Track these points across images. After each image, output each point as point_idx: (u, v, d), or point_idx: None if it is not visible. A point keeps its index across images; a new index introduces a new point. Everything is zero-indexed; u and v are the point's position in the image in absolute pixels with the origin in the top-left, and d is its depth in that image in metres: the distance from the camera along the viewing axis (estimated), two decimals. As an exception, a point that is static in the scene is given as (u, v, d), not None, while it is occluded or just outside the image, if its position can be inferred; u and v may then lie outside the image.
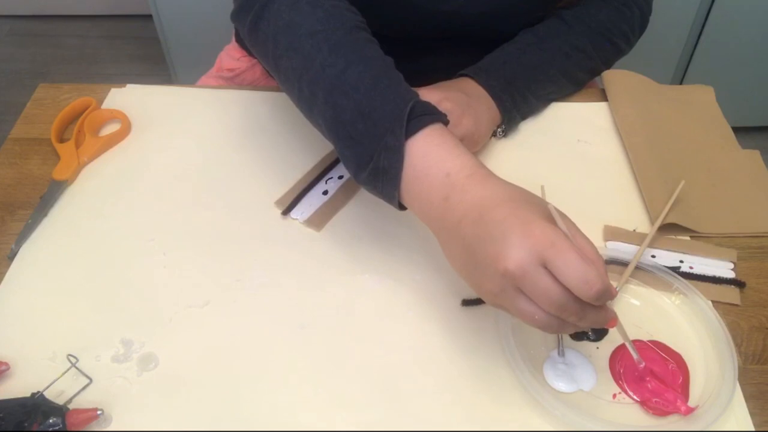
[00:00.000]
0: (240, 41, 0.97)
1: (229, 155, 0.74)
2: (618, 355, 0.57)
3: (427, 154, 0.52)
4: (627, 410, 0.54)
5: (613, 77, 0.82)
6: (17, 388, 0.54)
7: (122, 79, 0.84)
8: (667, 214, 0.65)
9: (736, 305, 0.61)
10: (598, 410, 0.53)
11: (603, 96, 0.82)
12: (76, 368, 0.55)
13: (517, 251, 0.44)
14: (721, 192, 0.70)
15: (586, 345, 0.58)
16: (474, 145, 0.71)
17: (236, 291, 0.61)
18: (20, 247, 0.65)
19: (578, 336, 0.58)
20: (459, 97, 0.69)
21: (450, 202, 0.50)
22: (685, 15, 1.52)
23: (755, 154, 0.75)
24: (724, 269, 0.64)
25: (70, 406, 0.52)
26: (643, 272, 0.62)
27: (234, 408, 0.54)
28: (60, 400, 0.53)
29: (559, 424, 0.53)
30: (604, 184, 0.72)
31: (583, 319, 0.46)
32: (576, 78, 0.80)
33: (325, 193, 0.70)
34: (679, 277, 0.61)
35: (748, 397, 0.54)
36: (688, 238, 0.67)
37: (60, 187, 0.70)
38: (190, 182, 0.71)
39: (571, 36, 0.78)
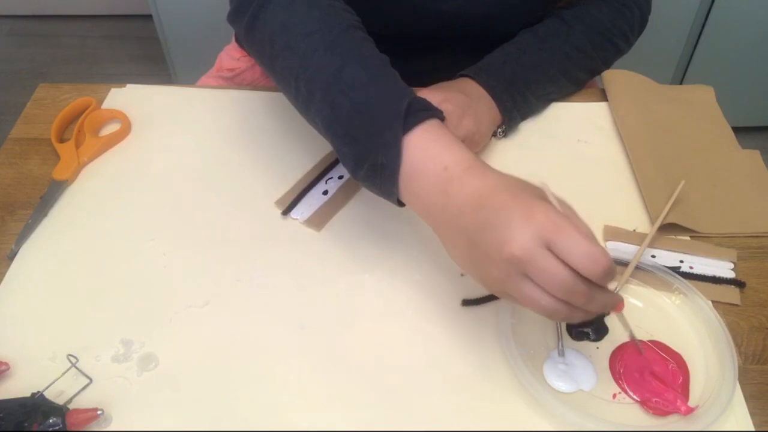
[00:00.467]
0: (239, 41, 0.97)
1: (229, 155, 0.74)
2: (618, 355, 0.57)
3: (425, 149, 0.52)
4: (627, 410, 0.54)
5: (613, 77, 0.82)
6: (17, 388, 0.54)
7: (122, 79, 0.84)
8: (667, 214, 0.65)
9: (736, 305, 0.61)
10: (598, 410, 0.53)
11: (603, 96, 0.82)
12: (76, 368, 0.55)
13: (520, 235, 0.44)
14: (721, 192, 0.70)
15: (587, 345, 0.58)
16: (475, 146, 0.71)
17: (236, 291, 0.61)
18: (20, 247, 0.65)
19: (578, 336, 0.58)
20: (459, 98, 0.69)
21: (449, 195, 0.50)
22: (685, 15, 1.52)
23: (755, 154, 0.75)
24: (724, 269, 0.64)
25: (70, 406, 0.52)
26: (643, 272, 0.62)
27: (234, 408, 0.54)
28: (60, 400, 0.53)
29: (559, 424, 0.53)
30: (604, 184, 0.72)
31: (592, 302, 0.45)
32: (576, 78, 0.80)
33: (325, 193, 0.70)
34: (679, 277, 0.61)
35: (748, 397, 0.54)
36: (688, 238, 0.67)
37: (60, 187, 0.70)
38: (190, 182, 0.71)
39: (571, 36, 0.78)
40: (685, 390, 0.55)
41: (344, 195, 0.70)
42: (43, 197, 0.69)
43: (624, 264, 0.63)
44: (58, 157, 0.73)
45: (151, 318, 0.59)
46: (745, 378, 0.56)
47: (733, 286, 0.62)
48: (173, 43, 1.68)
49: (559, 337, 0.57)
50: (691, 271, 0.63)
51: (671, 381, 0.55)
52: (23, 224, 0.67)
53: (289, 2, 0.60)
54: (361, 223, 0.68)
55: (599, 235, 0.66)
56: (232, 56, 0.95)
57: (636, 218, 0.68)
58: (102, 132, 0.77)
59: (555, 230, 0.44)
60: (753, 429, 0.53)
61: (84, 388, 0.54)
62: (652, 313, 0.61)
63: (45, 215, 0.68)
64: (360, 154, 0.55)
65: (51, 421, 0.51)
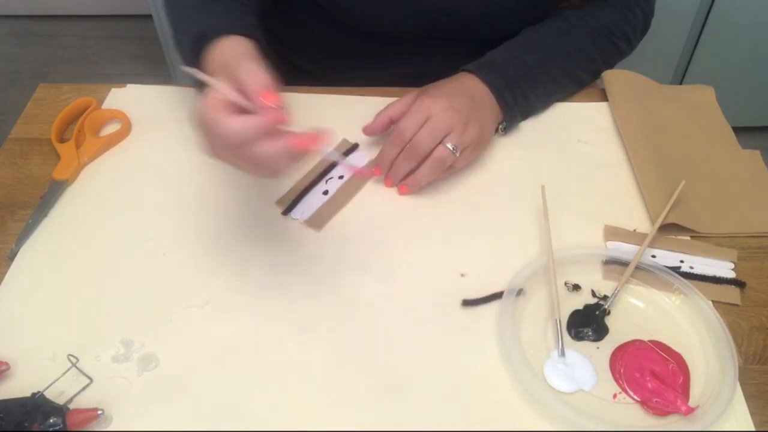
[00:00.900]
0: None
1: (229, 155, 0.74)
2: (618, 355, 0.57)
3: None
4: (627, 410, 0.54)
5: (613, 77, 0.82)
6: (17, 388, 0.54)
7: (122, 79, 0.84)
8: (667, 214, 0.65)
9: (737, 305, 0.61)
10: (598, 410, 0.53)
11: (603, 96, 0.82)
12: (77, 368, 0.55)
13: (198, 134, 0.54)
14: (721, 192, 0.70)
15: (587, 345, 0.58)
16: (480, 149, 0.72)
17: (236, 291, 0.61)
18: (20, 247, 0.65)
19: (579, 336, 0.58)
20: (464, 104, 0.69)
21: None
22: (685, 15, 1.52)
23: (755, 154, 0.75)
24: (724, 269, 0.64)
25: (71, 406, 0.52)
26: (643, 272, 0.62)
27: (234, 408, 0.54)
28: (60, 400, 0.53)
29: (559, 424, 0.53)
30: (605, 184, 0.72)
31: (251, 156, 0.51)
32: (578, 78, 0.80)
33: (326, 193, 0.70)
34: (680, 277, 0.61)
35: (749, 397, 0.54)
36: (688, 238, 0.67)
37: (60, 187, 0.70)
38: (190, 182, 0.71)
39: (574, 36, 0.78)
40: (685, 390, 0.55)
41: (344, 195, 0.70)
42: (43, 197, 0.69)
43: (624, 264, 0.63)
44: (58, 157, 0.73)
45: (151, 318, 0.59)
46: (745, 378, 0.56)
47: (733, 286, 0.62)
48: (173, 43, 1.68)
49: (560, 337, 0.57)
50: (692, 271, 0.63)
51: (671, 381, 0.55)
52: (23, 224, 0.67)
53: None
54: (362, 223, 0.68)
55: (600, 235, 0.66)
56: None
57: (636, 218, 0.68)
58: (102, 132, 0.77)
59: (205, 127, 0.52)
60: (753, 429, 0.53)
61: (84, 388, 0.54)
62: (653, 313, 0.61)
63: (45, 215, 0.68)
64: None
65: (51, 421, 0.51)
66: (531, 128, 0.78)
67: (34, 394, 0.53)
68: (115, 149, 0.75)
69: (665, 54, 1.59)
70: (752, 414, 0.54)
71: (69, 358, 0.56)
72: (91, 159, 0.74)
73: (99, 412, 0.51)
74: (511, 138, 0.77)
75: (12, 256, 0.64)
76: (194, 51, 0.62)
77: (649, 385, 0.55)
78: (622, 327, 0.59)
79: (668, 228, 0.66)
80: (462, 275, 0.63)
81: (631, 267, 0.62)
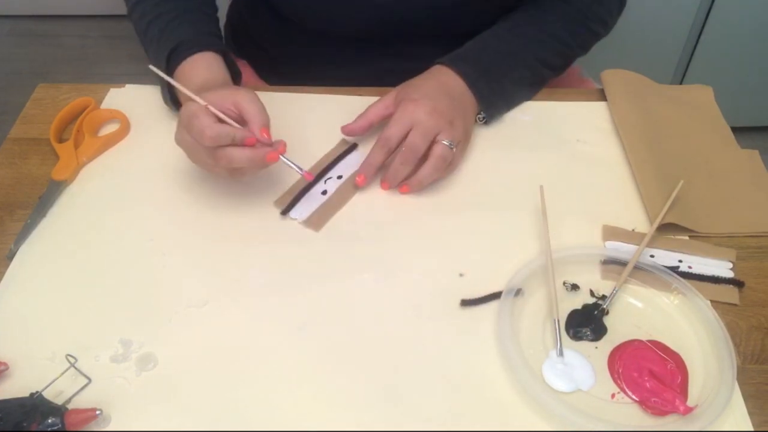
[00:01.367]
0: (229, 42, 0.98)
1: (228, 155, 0.74)
2: (617, 354, 0.57)
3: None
4: (626, 410, 0.54)
5: (613, 77, 0.82)
6: (16, 388, 0.54)
7: (122, 79, 0.84)
8: (665, 214, 0.65)
9: (735, 305, 0.61)
10: (596, 410, 0.53)
11: (602, 96, 0.82)
12: (75, 368, 0.55)
13: (178, 124, 0.65)
14: (719, 192, 0.70)
15: (585, 345, 0.58)
16: (467, 143, 0.73)
17: (235, 291, 0.61)
18: (19, 247, 0.65)
19: (577, 336, 0.58)
20: (446, 104, 0.70)
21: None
22: (685, 15, 1.52)
23: (754, 154, 0.75)
24: (722, 269, 0.64)
25: (69, 406, 0.52)
26: (642, 272, 0.62)
27: (233, 408, 0.54)
28: (59, 400, 0.53)
29: (557, 423, 0.52)
30: (603, 184, 0.72)
31: (218, 157, 0.62)
32: (552, 64, 0.81)
33: (324, 193, 0.70)
34: (678, 277, 0.61)
35: (747, 397, 0.54)
36: (686, 237, 0.67)
37: (59, 187, 0.70)
38: (189, 182, 0.71)
39: (547, 23, 0.79)
40: (683, 390, 0.55)
41: (343, 195, 0.70)
42: (41, 197, 0.69)
43: (623, 264, 0.63)
44: (57, 157, 0.73)
45: (150, 318, 0.59)
46: (743, 378, 0.56)
47: (731, 286, 0.62)
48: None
49: (558, 337, 0.57)
50: (690, 270, 0.63)
51: (670, 381, 0.55)
52: (22, 224, 0.67)
53: None
54: (360, 223, 0.68)
55: (598, 235, 0.66)
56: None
57: (635, 218, 0.68)
58: (101, 132, 0.77)
59: (187, 120, 0.62)
60: (752, 429, 0.53)
61: (83, 388, 0.54)
62: (651, 312, 0.61)
63: (44, 215, 0.68)
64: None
65: (50, 421, 0.51)
66: (530, 128, 0.78)
67: (32, 394, 0.53)
68: (114, 149, 0.75)
69: (665, 54, 1.59)
70: (751, 414, 0.54)
71: (68, 358, 0.56)
72: (90, 159, 0.74)
73: (97, 412, 0.51)
74: (511, 138, 0.77)
75: (11, 256, 0.64)
76: (167, 63, 0.71)
77: (648, 384, 0.55)
78: (620, 327, 0.59)
79: (667, 228, 0.66)
80: (461, 275, 0.63)
81: (630, 267, 0.62)
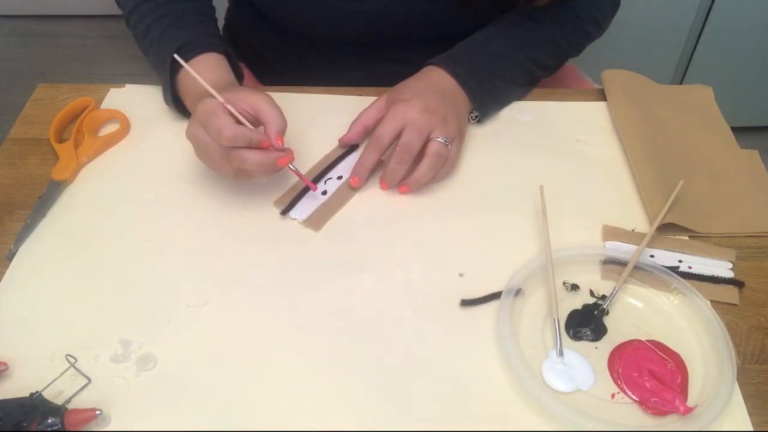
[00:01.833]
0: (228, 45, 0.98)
1: (228, 155, 0.74)
2: (617, 354, 0.57)
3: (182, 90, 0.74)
4: (626, 410, 0.54)
5: (613, 77, 0.82)
6: (16, 388, 0.54)
7: (122, 79, 0.84)
8: (665, 214, 0.65)
9: (735, 305, 0.61)
10: (596, 410, 0.53)
11: (602, 96, 0.82)
12: (75, 368, 0.55)
13: (192, 120, 0.65)
14: (719, 192, 0.70)
15: (585, 345, 0.58)
16: (462, 140, 0.73)
17: (235, 291, 0.61)
18: (19, 247, 0.65)
19: (577, 336, 0.58)
20: (437, 101, 0.70)
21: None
22: (685, 15, 1.52)
23: (754, 154, 0.75)
24: (722, 269, 0.64)
25: (69, 406, 0.52)
26: (641, 272, 0.62)
27: (232, 408, 0.54)
28: (59, 400, 0.53)
29: (557, 424, 0.52)
30: (603, 184, 0.72)
31: (230, 159, 0.62)
32: (544, 64, 0.81)
33: (324, 193, 0.70)
34: (678, 277, 0.61)
35: (747, 397, 0.54)
36: (686, 237, 0.67)
37: (59, 188, 0.70)
38: (189, 182, 0.71)
39: (540, 24, 0.79)
40: (683, 390, 0.55)
41: (343, 195, 0.70)
42: (41, 197, 0.69)
43: (623, 264, 0.63)
44: (57, 157, 0.73)
45: (149, 318, 0.59)
46: (743, 378, 0.56)
47: (731, 286, 0.62)
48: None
49: (558, 337, 0.57)
50: (690, 270, 0.63)
51: (670, 381, 0.55)
52: (22, 224, 0.67)
53: None
54: (360, 223, 0.68)
55: (598, 235, 0.66)
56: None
57: (635, 218, 0.68)
58: (101, 132, 0.77)
59: (205, 117, 0.62)
60: (751, 429, 0.53)
61: (83, 388, 0.54)
62: (651, 313, 0.61)
63: (44, 215, 0.68)
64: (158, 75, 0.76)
65: (49, 421, 0.51)
66: (530, 128, 0.78)
67: (32, 394, 0.53)
68: (114, 149, 0.75)
69: (665, 54, 1.59)
70: (750, 414, 0.54)
71: (67, 358, 0.56)
72: (90, 159, 0.74)
73: (97, 412, 0.51)
74: (510, 138, 0.77)
75: (10, 257, 0.64)
76: (171, 64, 0.71)
77: (648, 384, 0.55)
78: (620, 327, 0.59)
79: (667, 228, 0.66)
80: (460, 275, 0.63)
81: (630, 267, 0.62)
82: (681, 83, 1.64)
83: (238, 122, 0.63)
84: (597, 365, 0.56)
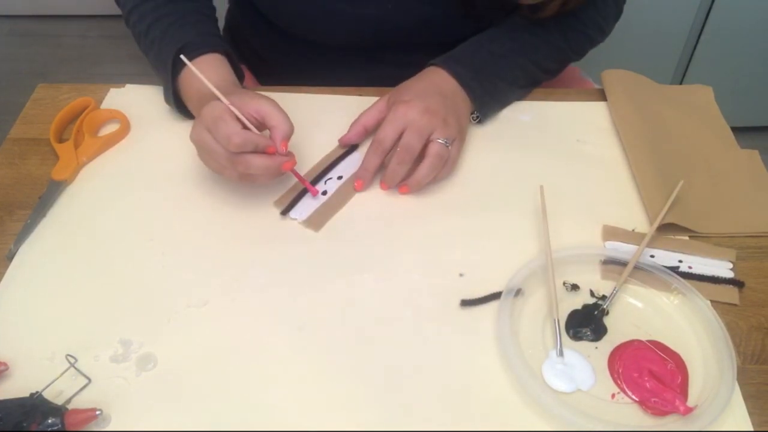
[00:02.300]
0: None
1: (228, 155, 0.74)
2: (617, 354, 0.57)
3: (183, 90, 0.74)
4: (626, 410, 0.54)
5: (613, 77, 0.82)
6: (16, 388, 0.54)
7: (122, 79, 0.84)
8: (665, 214, 0.65)
9: (735, 305, 0.61)
10: (596, 410, 0.53)
11: (602, 96, 0.82)
12: (75, 368, 0.55)
13: (197, 123, 0.65)
14: (719, 192, 0.70)
15: (585, 345, 0.58)
16: (462, 142, 0.73)
17: (235, 291, 0.61)
18: (19, 247, 0.65)
19: (577, 336, 0.58)
20: (438, 102, 0.70)
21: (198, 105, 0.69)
22: (685, 15, 1.52)
23: (754, 154, 0.75)
24: (722, 269, 0.64)
25: (69, 406, 0.52)
26: (642, 272, 0.62)
27: (232, 408, 0.54)
28: (59, 400, 0.53)
29: (557, 424, 0.52)
30: (603, 184, 0.72)
31: (236, 164, 0.63)
32: (546, 67, 0.81)
33: (324, 193, 0.70)
34: (678, 277, 0.61)
35: (747, 397, 0.54)
36: (686, 237, 0.67)
37: (59, 188, 0.70)
38: (188, 182, 0.71)
39: (543, 27, 0.79)
40: (683, 390, 0.55)
41: (343, 195, 0.70)
42: (41, 197, 0.69)
43: (623, 264, 0.63)
44: (57, 157, 0.73)
45: (150, 318, 0.59)
46: (743, 378, 0.56)
47: (731, 286, 0.62)
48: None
49: (558, 337, 0.57)
50: (690, 271, 0.63)
51: (670, 381, 0.55)
52: (22, 224, 0.67)
53: None
54: (360, 223, 0.68)
55: (598, 235, 0.66)
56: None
57: (635, 218, 0.68)
58: (101, 132, 0.77)
59: (212, 121, 0.62)
60: (752, 429, 0.53)
61: (83, 388, 0.54)
62: (651, 313, 0.61)
63: (44, 215, 0.68)
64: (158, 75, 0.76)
65: (50, 421, 0.51)
66: (530, 128, 0.78)
67: (32, 394, 0.53)
68: (114, 149, 0.75)
69: (665, 54, 1.59)
70: (750, 414, 0.54)
71: (67, 359, 0.56)
72: (90, 159, 0.74)
73: (97, 412, 0.51)
74: (510, 138, 0.77)
75: (10, 257, 0.64)
76: (173, 64, 0.72)
77: (648, 385, 0.55)
78: (620, 327, 0.59)
79: (667, 228, 0.66)
80: (460, 275, 0.63)
81: (630, 267, 0.62)
82: (681, 83, 1.64)
83: (244, 127, 0.63)
84: (597, 365, 0.56)
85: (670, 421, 0.53)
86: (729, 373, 0.54)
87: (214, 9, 0.81)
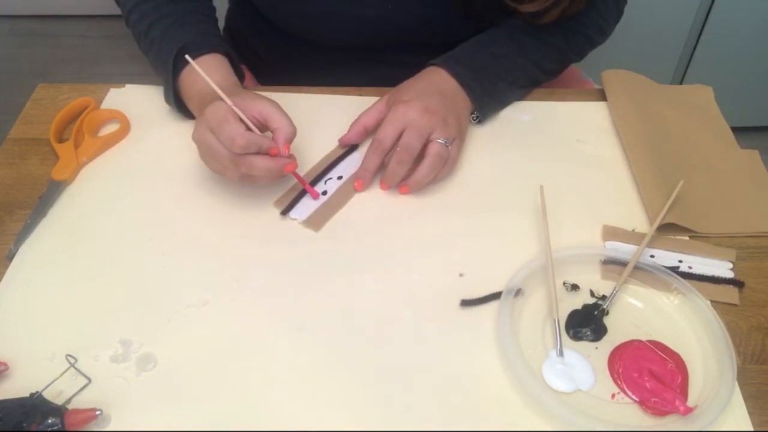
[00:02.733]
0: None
1: (228, 155, 0.74)
2: (617, 354, 0.57)
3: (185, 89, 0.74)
4: (626, 410, 0.54)
5: (613, 77, 0.82)
6: (16, 388, 0.54)
7: (122, 79, 0.84)
8: (665, 214, 0.65)
9: (735, 305, 0.61)
10: (596, 410, 0.53)
11: (602, 96, 0.82)
12: (75, 368, 0.55)
13: (199, 123, 0.65)
14: (719, 192, 0.70)
15: (585, 345, 0.58)
16: (462, 142, 0.73)
17: (235, 291, 0.61)
18: (19, 247, 0.65)
19: (577, 336, 0.58)
20: (437, 102, 0.70)
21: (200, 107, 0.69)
22: (685, 15, 1.52)
23: (754, 154, 0.75)
24: (722, 269, 0.64)
25: (69, 406, 0.52)
26: (642, 272, 0.62)
27: (232, 408, 0.54)
28: (59, 401, 0.53)
29: (557, 424, 0.52)
30: (603, 184, 0.72)
31: (239, 165, 0.63)
32: (546, 68, 0.81)
33: (324, 193, 0.70)
34: (678, 277, 0.61)
35: (747, 397, 0.54)
36: (686, 237, 0.67)
37: (59, 188, 0.70)
38: (188, 182, 0.71)
39: (543, 29, 0.79)
40: (683, 390, 0.55)
41: (343, 195, 0.70)
42: (41, 197, 0.69)
43: (623, 264, 0.63)
44: (57, 157, 0.73)
45: (149, 318, 0.59)
46: (743, 378, 0.56)
47: (731, 286, 0.62)
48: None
49: (558, 337, 0.57)
50: (690, 271, 0.63)
51: (670, 381, 0.55)
52: (22, 224, 0.67)
53: None
54: (360, 224, 0.68)
55: (598, 235, 0.66)
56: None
57: (635, 218, 0.68)
58: (101, 132, 0.77)
59: (215, 122, 0.62)
60: (752, 429, 0.53)
61: (83, 388, 0.54)
62: (651, 313, 0.61)
63: (44, 215, 0.68)
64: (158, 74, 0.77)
65: (50, 421, 0.51)
66: (530, 128, 0.78)
67: (32, 395, 0.53)
68: (114, 149, 0.75)
69: (665, 54, 1.59)
70: (751, 414, 0.54)
71: (67, 359, 0.56)
72: (90, 159, 0.74)
73: (97, 412, 0.51)
74: (511, 138, 0.77)
75: (10, 257, 0.64)
76: (174, 63, 0.72)
77: (648, 385, 0.55)
78: (620, 327, 0.59)
79: (667, 228, 0.66)
80: (460, 275, 0.63)
81: (630, 267, 0.62)
82: (681, 83, 1.64)
83: (247, 128, 0.63)
84: (597, 365, 0.56)
85: (670, 421, 0.53)
86: (729, 373, 0.54)
87: (214, 9, 0.81)
